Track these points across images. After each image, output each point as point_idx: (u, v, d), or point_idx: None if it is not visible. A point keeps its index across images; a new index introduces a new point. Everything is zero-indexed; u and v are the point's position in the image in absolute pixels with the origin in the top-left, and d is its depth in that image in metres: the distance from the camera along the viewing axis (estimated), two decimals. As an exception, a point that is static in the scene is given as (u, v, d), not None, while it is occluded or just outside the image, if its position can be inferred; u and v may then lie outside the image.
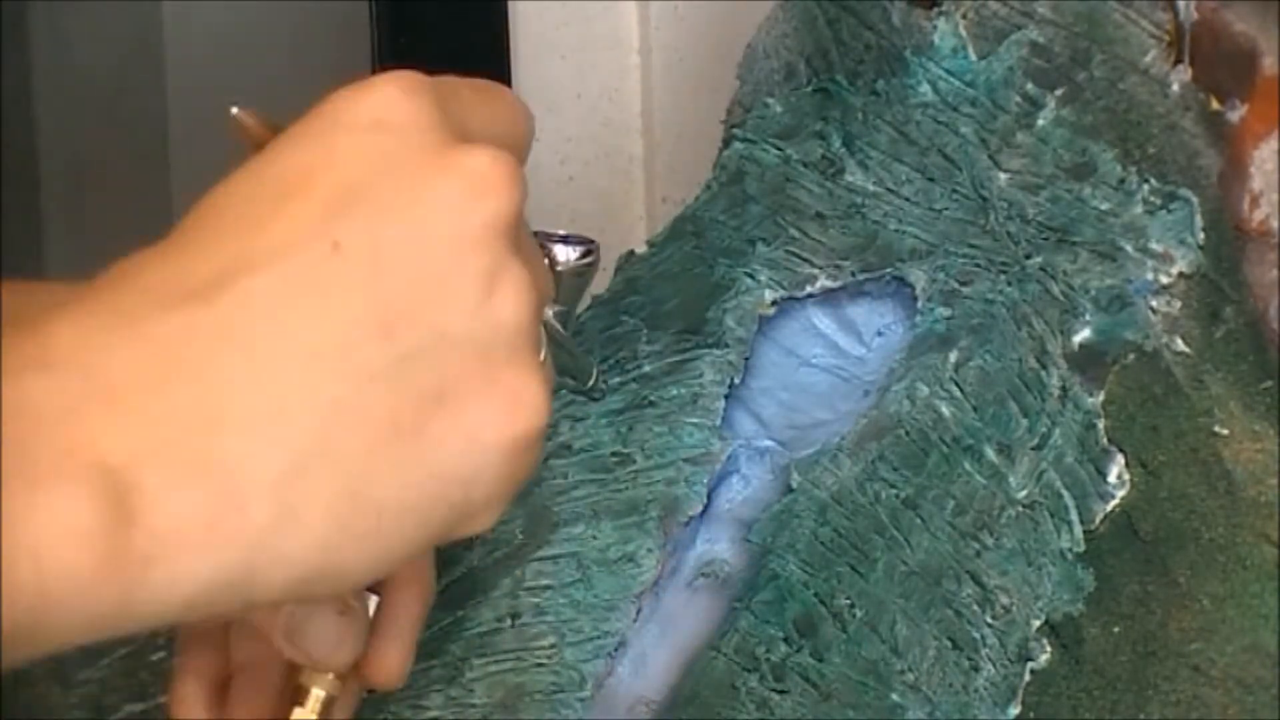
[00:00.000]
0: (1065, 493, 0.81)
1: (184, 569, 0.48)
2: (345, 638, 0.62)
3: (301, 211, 0.50)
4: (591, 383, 0.76)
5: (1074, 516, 0.80)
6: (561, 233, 0.64)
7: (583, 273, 0.65)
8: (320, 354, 0.49)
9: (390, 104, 0.51)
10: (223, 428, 0.48)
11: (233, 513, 0.48)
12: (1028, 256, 0.85)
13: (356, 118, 0.51)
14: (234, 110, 0.59)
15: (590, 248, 0.65)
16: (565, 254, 0.64)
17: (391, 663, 0.66)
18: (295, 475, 0.48)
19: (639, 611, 0.82)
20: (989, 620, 0.79)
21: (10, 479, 0.46)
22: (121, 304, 0.49)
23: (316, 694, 0.65)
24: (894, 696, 0.78)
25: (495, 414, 0.51)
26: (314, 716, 0.64)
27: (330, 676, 0.65)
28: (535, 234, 0.63)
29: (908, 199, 0.88)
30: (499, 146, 0.53)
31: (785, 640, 0.79)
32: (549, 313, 0.64)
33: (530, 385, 0.52)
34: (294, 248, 0.49)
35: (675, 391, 0.86)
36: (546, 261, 0.64)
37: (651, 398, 0.86)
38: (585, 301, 0.78)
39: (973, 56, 0.88)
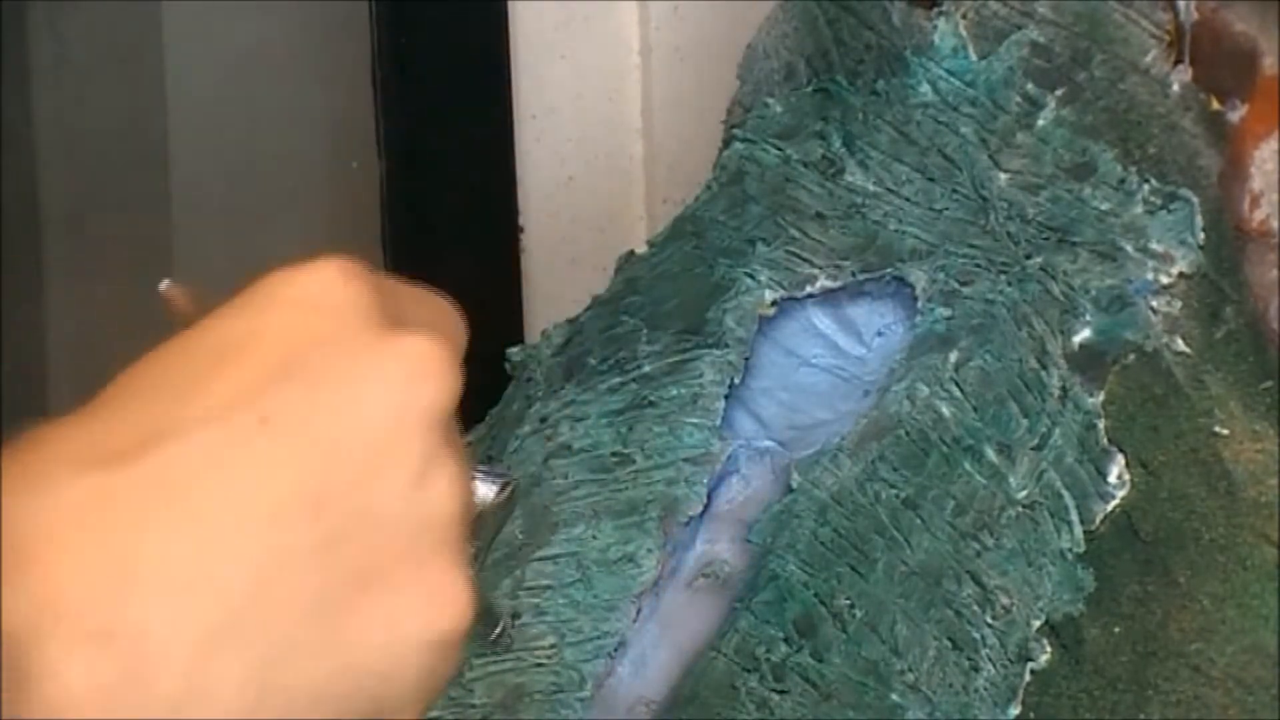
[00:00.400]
0: (1065, 493, 0.81)
1: None
2: None
3: (230, 383, 0.49)
4: (497, 633, 0.75)
5: (1074, 517, 0.80)
6: (482, 467, 0.62)
7: (495, 510, 0.62)
8: (242, 528, 0.47)
9: (328, 284, 0.50)
10: (134, 595, 0.46)
11: (138, 684, 0.46)
12: (1028, 256, 0.85)
13: (293, 294, 0.50)
14: (162, 286, 0.58)
15: (508, 482, 0.62)
16: (484, 490, 0.62)
17: None
18: (207, 650, 0.46)
19: (639, 612, 0.82)
20: (989, 620, 0.79)
21: None
22: (36, 467, 0.47)
23: None
24: (894, 696, 0.78)
25: (419, 608, 0.49)
26: None
27: None
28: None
29: (908, 199, 0.88)
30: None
31: (785, 640, 0.79)
32: None
33: (456, 582, 0.50)
34: (220, 418, 0.48)
35: (675, 391, 0.86)
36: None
37: (651, 398, 0.86)
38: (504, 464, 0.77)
39: (973, 56, 0.88)
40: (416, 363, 0.50)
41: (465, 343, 0.55)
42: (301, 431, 0.48)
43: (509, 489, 0.61)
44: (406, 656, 0.50)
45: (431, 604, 0.50)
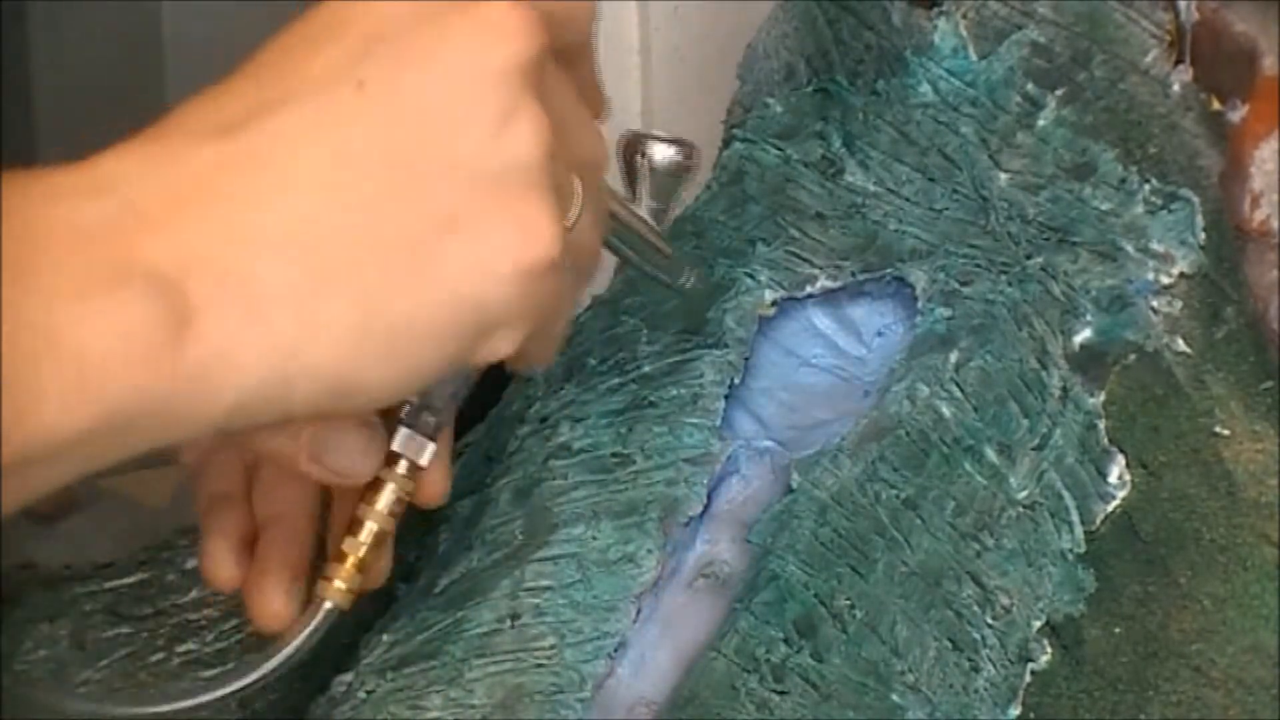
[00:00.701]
0: (1066, 493, 0.81)
1: (229, 377, 0.51)
2: (369, 451, 0.65)
3: (332, 55, 0.54)
4: (684, 279, 0.78)
5: (1074, 517, 0.80)
6: (665, 135, 0.69)
7: (677, 173, 0.69)
8: (338, 181, 0.52)
9: None
10: (248, 247, 0.51)
11: (261, 325, 0.51)
12: (1028, 256, 0.85)
13: None
14: None
15: (689, 150, 0.69)
16: (662, 152, 0.68)
17: (438, 480, 0.71)
18: (314, 294, 0.52)
19: (639, 612, 0.82)
20: (989, 621, 0.79)
21: (56, 295, 0.48)
22: (163, 140, 0.53)
23: (370, 526, 0.69)
24: (894, 697, 0.78)
25: (505, 240, 0.55)
26: (367, 543, 0.69)
27: (382, 509, 0.68)
28: (636, 133, 0.66)
29: (908, 199, 0.88)
30: (543, 11, 0.57)
31: (785, 641, 0.79)
32: (616, 194, 0.68)
33: (541, 216, 0.55)
34: (321, 87, 0.54)
35: (675, 392, 0.86)
36: (644, 160, 0.68)
37: (651, 398, 0.86)
38: (677, 208, 0.81)
39: (973, 56, 0.88)
40: (494, 23, 0.55)
41: (591, 4, 0.62)
42: (392, 91, 0.53)
43: (689, 152, 0.68)
44: (498, 285, 0.55)
45: (518, 236, 0.55)
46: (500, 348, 0.58)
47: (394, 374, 0.55)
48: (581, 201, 0.61)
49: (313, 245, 0.52)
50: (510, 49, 0.55)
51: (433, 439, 0.69)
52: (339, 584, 0.72)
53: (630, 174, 0.74)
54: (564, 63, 0.61)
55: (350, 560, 0.71)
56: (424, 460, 0.69)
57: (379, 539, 0.70)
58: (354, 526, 0.70)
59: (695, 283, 0.81)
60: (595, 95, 0.67)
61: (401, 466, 0.69)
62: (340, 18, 0.56)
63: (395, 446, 0.68)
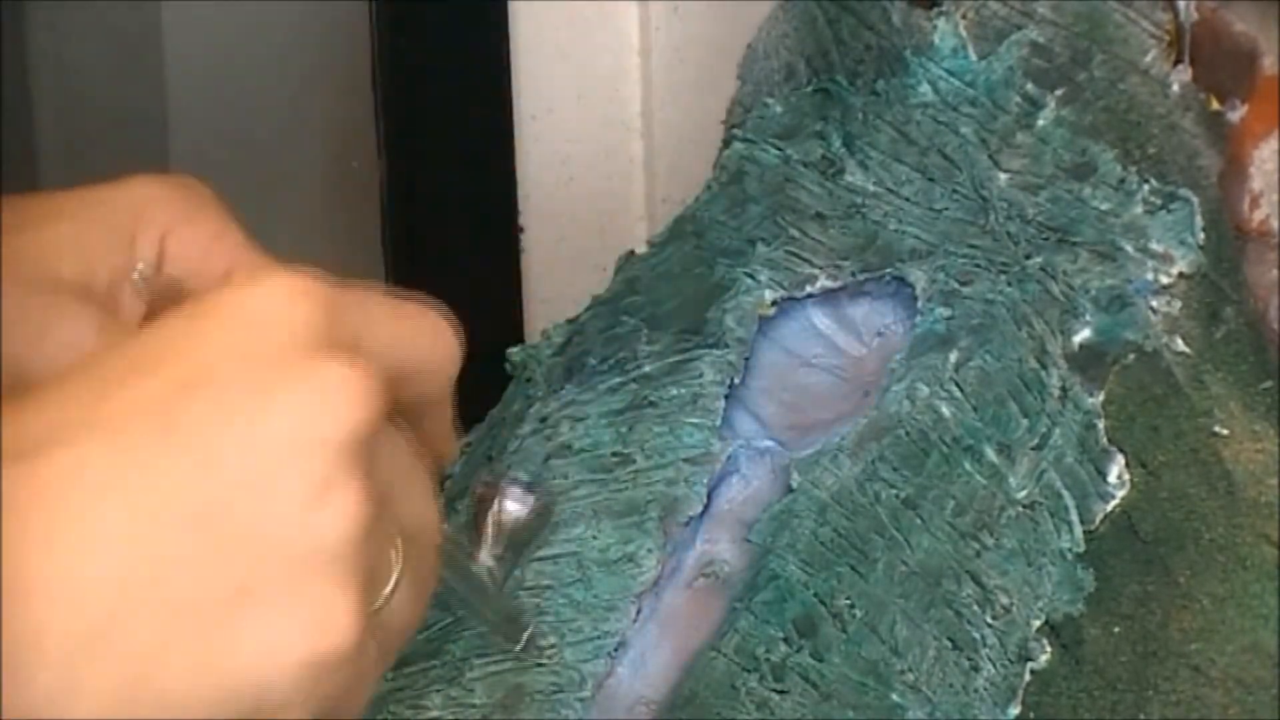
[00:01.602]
0: (1065, 493, 0.81)
1: None
2: None
3: (147, 388, 0.49)
4: (521, 645, 0.74)
5: (1074, 516, 0.80)
6: (522, 486, 0.62)
7: (524, 531, 0.63)
8: (129, 533, 0.48)
9: (271, 300, 0.51)
10: (20, 591, 0.47)
11: (17, 679, 0.47)
12: (1028, 256, 0.85)
13: (232, 308, 0.51)
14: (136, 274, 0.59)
15: (543, 505, 0.62)
16: (513, 508, 0.61)
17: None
18: (84, 649, 0.47)
19: (639, 612, 0.82)
20: (989, 620, 0.79)
21: None
22: None
23: None
24: (894, 696, 0.78)
25: (298, 627, 0.49)
26: None
27: None
28: (493, 481, 0.60)
29: (908, 199, 0.88)
30: (393, 367, 0.52)
31: (785, 640, 0.79)
32: (454, 551, 0.61)
33: (341, 605, 0.50)
34: (127, 422, 0.49)
35: (675, 391, 0.86)
36: (496, 510, 0.61)
37: (651, 398, 0.86)
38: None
39: (973, 56, 0.88)
40: (328, 390, 0.50)
41: (453, 363, 0.55)
42: (202, 444, 0.49)
43: (542, 508, 0.61)
44: (283, 673, 0.50)
45: (312, 625, 0.49)
46: None
47: None
48: (399, 575, 0.55)
49: (88, 598, 0.47)
50: (340, 420, 0.50)
51: None
52: None
53: (479, 522, 0.69)
54: (413, 416, 0.56)
55: None
56: None
57: None
58: None
59: (531, 646, 0.78)
60: (444, 448, 0.61)
61: None
62: (164, 346, 0.50)
63: None
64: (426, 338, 0.55)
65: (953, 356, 0.83)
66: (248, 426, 0.49)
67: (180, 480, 0.48)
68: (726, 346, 0.86)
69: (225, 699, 0.49)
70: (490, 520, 0.62)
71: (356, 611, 0.50)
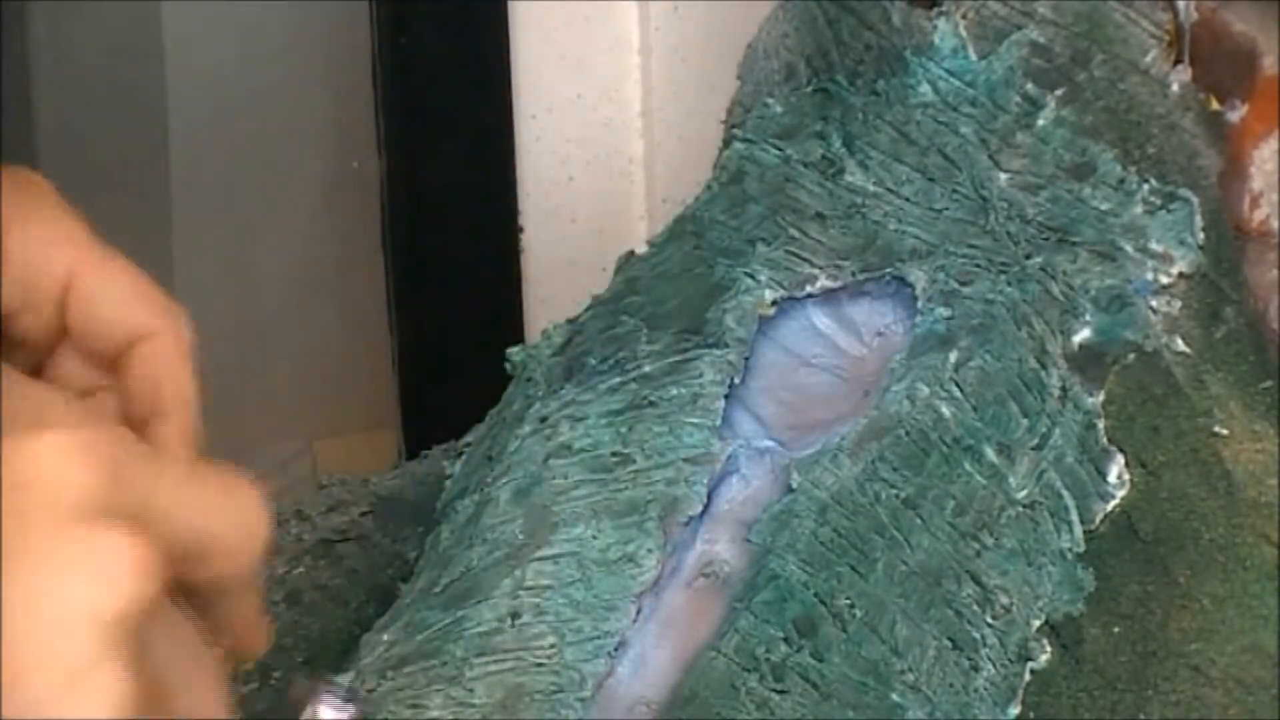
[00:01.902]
0: (1065, 493, 0.81)
1: None
2: None
3: None
4: None
5: (1074, 516, 0.80)
6: (343, 689, 0.59)
7: None
8: None
9: (49, 460, 0.47)
10: None
11: None
12: (1028, 256, 0.85)
13: (9, 465, 0.47)
14: None
15: (357, 707, 0.60)
16: (328, 716, 0.59)
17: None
18: None
19: (639, 611, 0.82)
20: (989, 620, 0.79)
21: None
22: None
23: None
24: (894, 696, 0.78)
25: None
26: None
27: None
28: (310, 684, 0.58)
29: (908, 199, 0.88)
30: (185, 542, 0.49)
31: (785, 640, 0.79)
32: None
33: None
34: None
35: (675, 391, 0.86)
36: (309, 715, 0.59)
37: (651, 398, 0.86)
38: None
39: (973, 56, 0.88)
40: (102, 563, 0.47)
41: (260, 542, 0.51)
42: None
43: (356, 714, 0.59)
44: None
45: None
46: None
47: None
48: None
49: None
50: (109, 595, 0.46)
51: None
52: None
53: None
54: (209, 598, 0.52)
55: None
56: None
57: None
58: None
59: None
60: (247, 635, 0.57)
61: None
62: None
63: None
64: (227, 513, 0.51)
65: (953, 356, 0.83)
66: (15, 600, 0.46)
67: None
68: (726, 346, 0.86)
69: None
70: None
71: None
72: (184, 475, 0.50)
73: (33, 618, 0.46)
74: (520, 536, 0.85)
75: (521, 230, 1.38)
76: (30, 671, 0.46)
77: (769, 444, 0.85)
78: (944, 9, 0.89)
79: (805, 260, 0.89)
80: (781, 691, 0.78)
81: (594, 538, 0.83)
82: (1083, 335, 0.83)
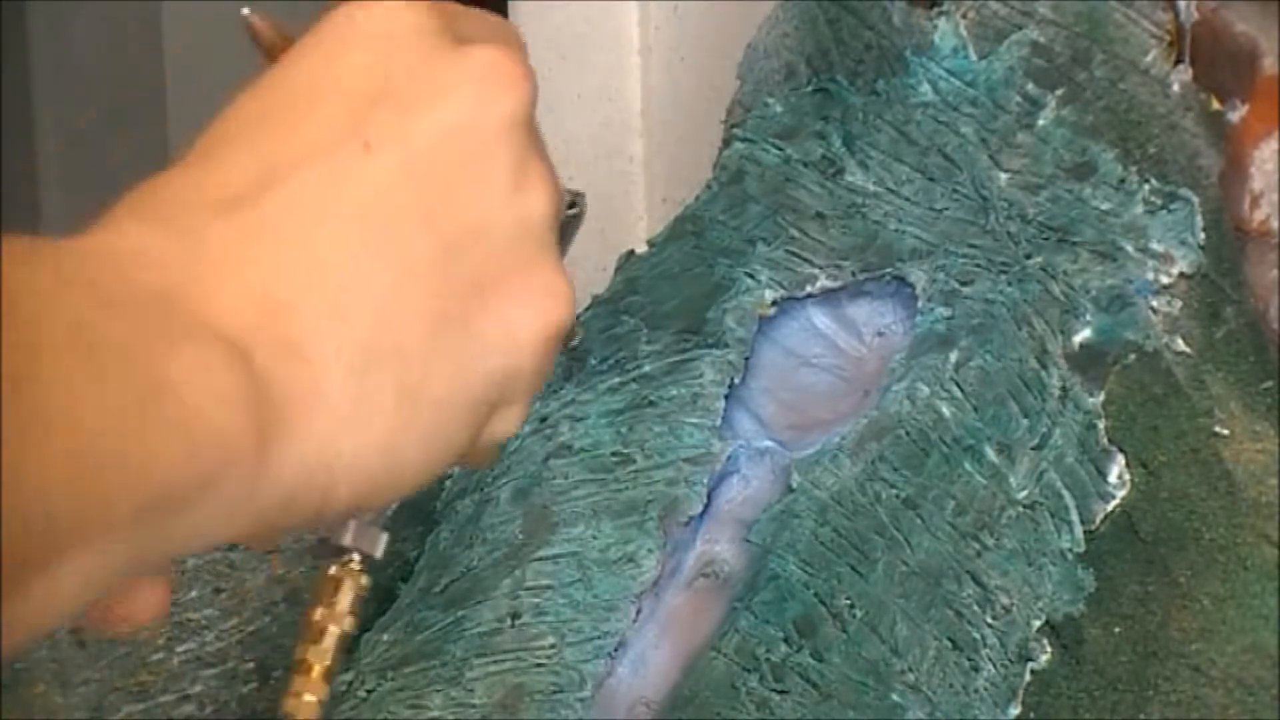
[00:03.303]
0: (1065, 493, 0.81)
1: (293, 462, 0.47)
2: (157, 603, 0.55)
3: (327, 115, 0.51)
4: (575, 341, 0.75)
5: (1074, 516, 0.80)
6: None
7: (568, 223, 0.65)
8: (367, 248, 0.49)
9: (393, 14, 0.52)
10: (296, 317, 0.48)
11: (317, 401, 0.48)
12: (1028, 256, 0.85)
13: (363, 28, 0.52)
14: (245, 11, 0.60)
15: (576, 199, 0.65)
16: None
17: (155, 601, 0.57)
18: (365, 367, 0.49)
19: (639, 611, 0.82)
20: (989, 620, 0.79)
21: (153, 340, 0.45)
22: (168, 215, 0.49)
23: (333, 630, 0.63)
24: (894, 696, 0.78)
25: (530, 308, 0.52)
26: (331, 649, 0.62)
27: (343, 610, 0.62)
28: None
29: (908, 199, 0.88)
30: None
31: (785, 640, 0.79)
32: None
33: (559, 278, 0.53)
34: (326, 150, 0.50)
35: (675, 391, 0.86)
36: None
37: (651, 398, 0.86)
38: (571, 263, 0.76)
39: (973, 56, 0.88)
40: (492, 72, 0.52)
41: (526, 52, 0.56)
42: (402, 151, 0.50)
43: (576, 204, 0.64)
44: (523, 355, 0.52)
45: (543, 301, 0.52)
46: (512, 424, 0.54)
47: (431, 455, 0.51)
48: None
49: (354, 317, 0.49)
50: (510, 99, 0.52)
51: (385, 528, 0.64)
52: (308, 697, 0.64)
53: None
54: None
55: (317, 670, 0.63)
56: (379, 551, 0.62)
57: (343, 643, 0.64)
58: (315, 634, 0.61)
59: (582, 345, 0.78)
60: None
61: (355, 562, 0.63)
62: (325, 74, 0.52)
63: (347, 540, 0.62)
64: (504, 29, 0.57)
65: (953, 356, 0.83)
66: (436, 126, 0.51)
67: (393, 190, 0.50)
68: (726, 346, 0.86)
69: (480, 396, 0.51)
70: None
71: (568, 281, 0.53)
72: (463, 10, 0.55)
73: (462, 139, 0.51)
74: (520, 536, 0.85)
75: (521, 230, 1.38)
76: (478, 185, 0.51)
77: (769, 444, 0.85)
78: (944, 9, 0.89)
79: (805, 260, 0.89)
80: (781, 691, 0.78)
81: (594, 538, 0.83)
82: (1083, 335, 0.83)
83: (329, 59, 0.52)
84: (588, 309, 0.92)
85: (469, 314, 0.51)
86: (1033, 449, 0.81)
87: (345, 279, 0.49)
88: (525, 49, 0.56)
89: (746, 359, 0.87)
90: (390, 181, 0.50)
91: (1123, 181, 0.85)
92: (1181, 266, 0.84)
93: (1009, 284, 0.84)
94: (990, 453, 0.81)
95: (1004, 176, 0.87)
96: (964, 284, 0.85)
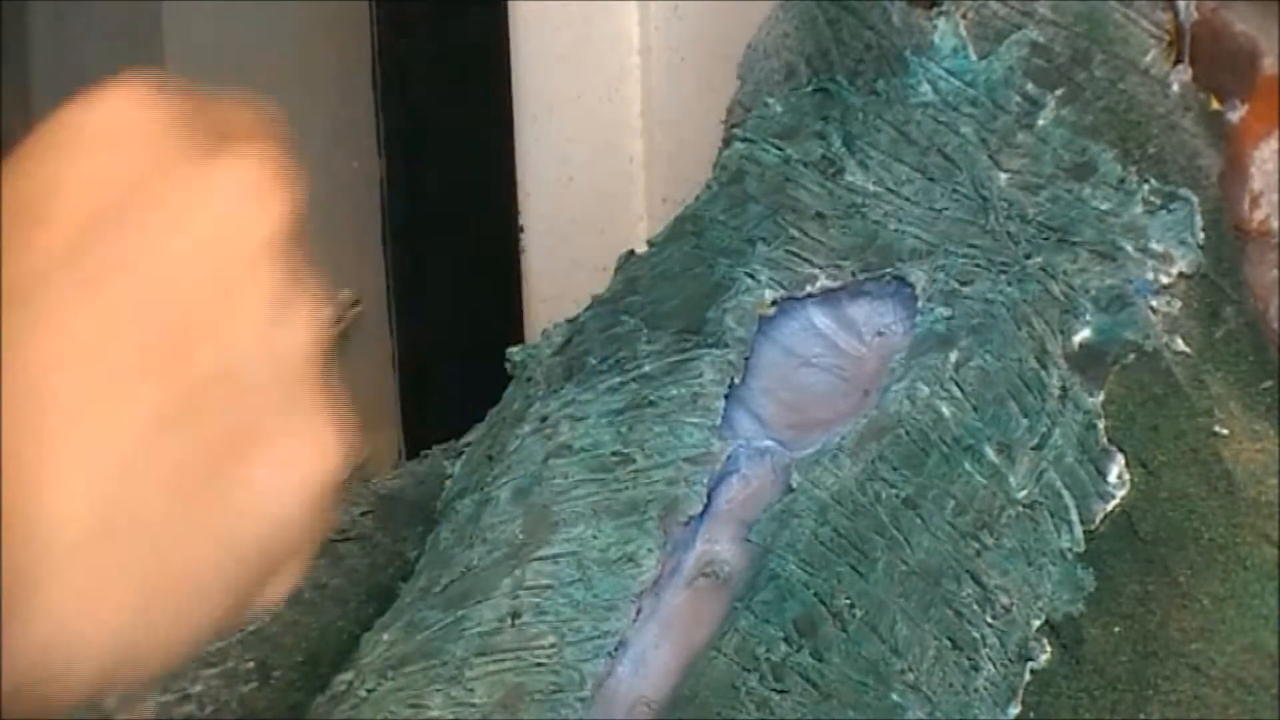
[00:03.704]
0: (1065, 493, 0.81)
1: (24, 632, 0.41)
2: None
3: (46, 241, 0.42)
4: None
5: (1074, 516, 0.80)
6: None
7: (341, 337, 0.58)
8: (98, 401, 0.42)
9: (123, 113, 0.44)
10: (17, 483, 0.41)
11: (50, 575, 0.41)
12: (1028, 256, 0.85)
13: (87, 131, 0.44)
14: None
15: (357, 301, 0.58)
16: None
17: None
18: (103, 537, 0.41)
19: (639, 611, 0.82)
20: (989, 620, 0.79)
21: None
22: None
23: None
24: (894, 696, 0.78)
25: (293, 458, 0.44)
26: None
27: None
28: None
29: (908, 199, 0.88)
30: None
31: (785, 640, 0.79)
32: None
33: (326, 423, 0.45)
34: (44, 284, 0.42)
35: (675, 391, 0.86)
36: None
37: (651, 398, 0.86)
38: None
39: (973, 56, 0.88)
40: (245, 185, 0.44)
41: (287, 147, 0.47)
42: (132, 282, 0.42)
43: (359, 304, 0.57)
44: (293, 506, 0.45)
45: (307, 450, 0.45)
46: (280, 590, 0.46)
47: (187, 629, 0.44)
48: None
49: (84, 483, 0.41)
50: (267, 217, 0.43)
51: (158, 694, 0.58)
52: None
53: None
54: None
55: None
56: None
57: None
58: None
59: None
60: None
61: None
62: (44, 188, 0.43)
63: (112, 710, 0.56)
64: (264, 121, 0.48)
65: (953, 356, 0.83)
66: (179, 252, 0.43)
67: (126, 330, 0.42)
68: (726, 346, 0.86)
69: (244, 555, 0.44)
70: None
71: (338, 422, 0.45)
72: (214, 99, 0.48)
73: (205, 267, 0.43)
74: (520, 536, 0.85)
75: (521, 230, 1.38)
76: (224, 323, 0.43)
77: (769, 444, 0.85)
78: (944, 9, 0.89)
79: (805, 260, 0.89)
80: (781, 691, 0.78)
81: (594, 538, 0.83)
82: (1083, 335, 0.83)
83: (50, 169, 0.43)
84: (588, 309, 0.92)
85: (220, 470, 0.43)
86: (1032, 449, 0.81)
87: (74, 438, 0.41)
88: (289, 148, 0.47)
89: (746, 359, 0.87)
90: (119, 320, 0.42)
91: (1122, 181, 0.85)
92: (1181, 266, 0.84)
93: (1009, 284, 0.84)
94: (990, 453, 0.81)
95: (1004, 176, 0.87)
96: (964, 284, 0.85)
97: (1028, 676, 0.79)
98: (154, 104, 0.45)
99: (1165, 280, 0.84)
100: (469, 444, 0.94)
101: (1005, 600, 0.79)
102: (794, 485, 0.82)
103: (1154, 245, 0.84)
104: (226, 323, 0.43)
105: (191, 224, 0.43)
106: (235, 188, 0.44)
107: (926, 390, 0.82)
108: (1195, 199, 0.85)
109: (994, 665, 0.79)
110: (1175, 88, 0.87)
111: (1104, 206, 0.85)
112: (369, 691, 0.82)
